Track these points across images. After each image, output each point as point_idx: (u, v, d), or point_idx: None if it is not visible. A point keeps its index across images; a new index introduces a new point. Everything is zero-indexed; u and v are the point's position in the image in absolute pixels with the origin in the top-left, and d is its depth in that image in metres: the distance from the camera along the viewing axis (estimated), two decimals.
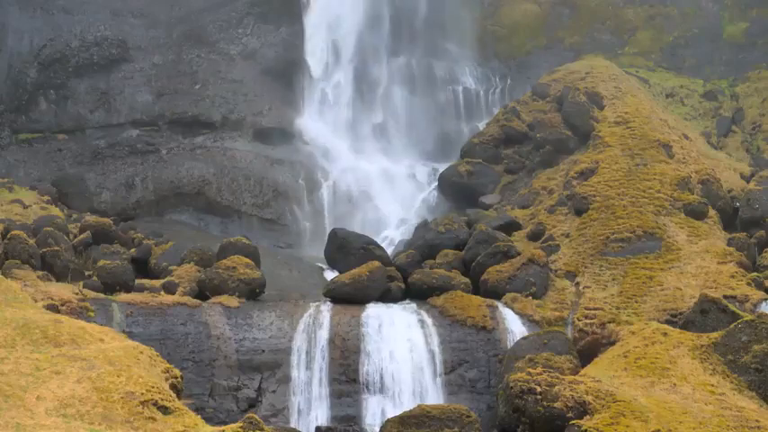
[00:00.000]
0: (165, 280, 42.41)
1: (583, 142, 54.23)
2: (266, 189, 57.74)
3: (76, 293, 39.32)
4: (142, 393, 28.94)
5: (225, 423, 35.19)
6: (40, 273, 40.54)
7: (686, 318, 40.07)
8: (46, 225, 44.44)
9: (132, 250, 45.96)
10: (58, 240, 42.89)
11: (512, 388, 33.84)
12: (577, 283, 44.55)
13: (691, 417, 33.01)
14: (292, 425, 38.66)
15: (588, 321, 41.75)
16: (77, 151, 57.86)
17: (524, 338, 40.33)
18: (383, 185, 59.76)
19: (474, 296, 42.97)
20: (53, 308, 36.79)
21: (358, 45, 65.86)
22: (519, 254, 44.97)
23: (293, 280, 48.24)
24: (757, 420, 33.24)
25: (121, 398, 28.62)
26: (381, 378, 39.61)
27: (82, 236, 45.70)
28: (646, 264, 44.59)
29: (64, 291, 39.27)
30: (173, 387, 31.45)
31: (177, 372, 32.66)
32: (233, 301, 41.26)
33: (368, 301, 42.24)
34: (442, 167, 58.20)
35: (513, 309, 42.33)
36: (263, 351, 40.01)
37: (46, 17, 59.78)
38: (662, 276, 43.76)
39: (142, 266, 45.07)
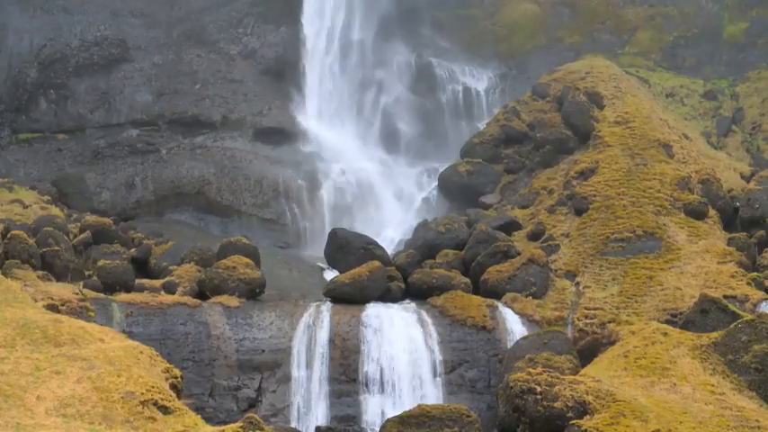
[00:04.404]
0: (165, 280, 42.40)
1: (583, 142, 54.21)
2: (266, 189, 57.71)
3: (76, 293, 39.29)
4: (142, 393, 28.92)
5: (225, 423, 35.13)
6: (40, 273, 40.51)
7: (686, 318, 40.06)
8: (46, 225, 44.39)
9: (132, 250, 45.95)
10: (58, 240, 42.85)
11: (512, 388, 33.81)
12: (577, 283, 44.53)
13: (691, 417, 32.99)
14: (292, 425, 38.66)
15: (588, 321, 41.76)
16: (77, 151, 57.82)
17: (524, 338, 40.33)
18: (383, 185, 59.69)
19: (474, 296, 42.97)
20: (53, 308, 36.74)
21: (358, 45, 65.82)
22: (519, 254, 44.95)
23: (293, 280, 48.24)
24: (757, 420, 33.23)
25: (121, 398, 28.60)
26: (381, 378, 39.60)
27: (82, 236, 45.67)
28: (646, 264, 44.58)
29: (64, 291, 39.24)
30: (173, 387, 31.42)
31: (177, 372, 32.62)
32: (233, 301, 41.25)
33: (368, 301, 42.24)
34: (441, 167, 58.15)
35: (513, 309, 42.33)
36: (263, 351, 40.01)
37: (46, 17, 59.70)
38: (662, 276, 43.75)
39: (142, 266, 45.09)
